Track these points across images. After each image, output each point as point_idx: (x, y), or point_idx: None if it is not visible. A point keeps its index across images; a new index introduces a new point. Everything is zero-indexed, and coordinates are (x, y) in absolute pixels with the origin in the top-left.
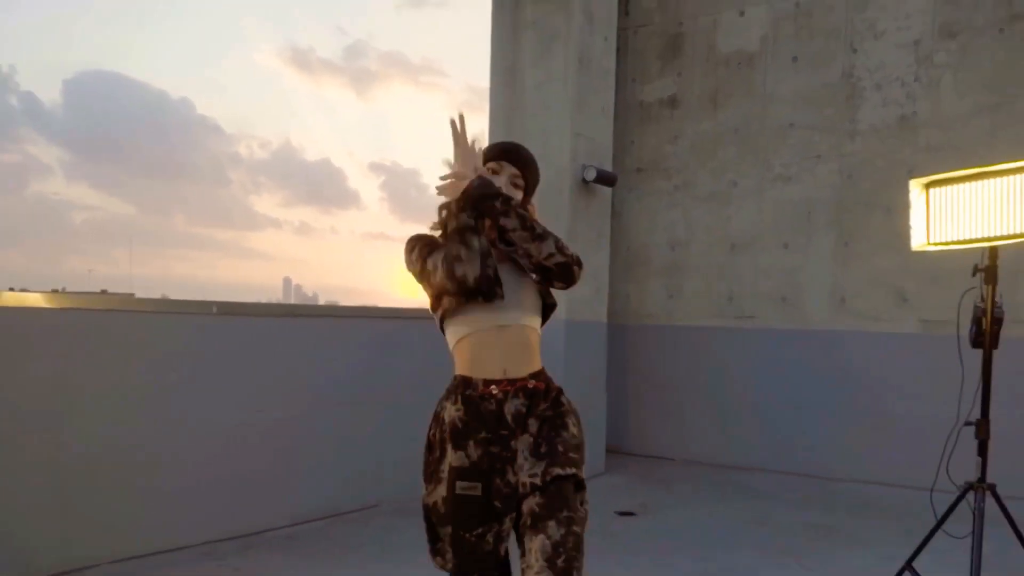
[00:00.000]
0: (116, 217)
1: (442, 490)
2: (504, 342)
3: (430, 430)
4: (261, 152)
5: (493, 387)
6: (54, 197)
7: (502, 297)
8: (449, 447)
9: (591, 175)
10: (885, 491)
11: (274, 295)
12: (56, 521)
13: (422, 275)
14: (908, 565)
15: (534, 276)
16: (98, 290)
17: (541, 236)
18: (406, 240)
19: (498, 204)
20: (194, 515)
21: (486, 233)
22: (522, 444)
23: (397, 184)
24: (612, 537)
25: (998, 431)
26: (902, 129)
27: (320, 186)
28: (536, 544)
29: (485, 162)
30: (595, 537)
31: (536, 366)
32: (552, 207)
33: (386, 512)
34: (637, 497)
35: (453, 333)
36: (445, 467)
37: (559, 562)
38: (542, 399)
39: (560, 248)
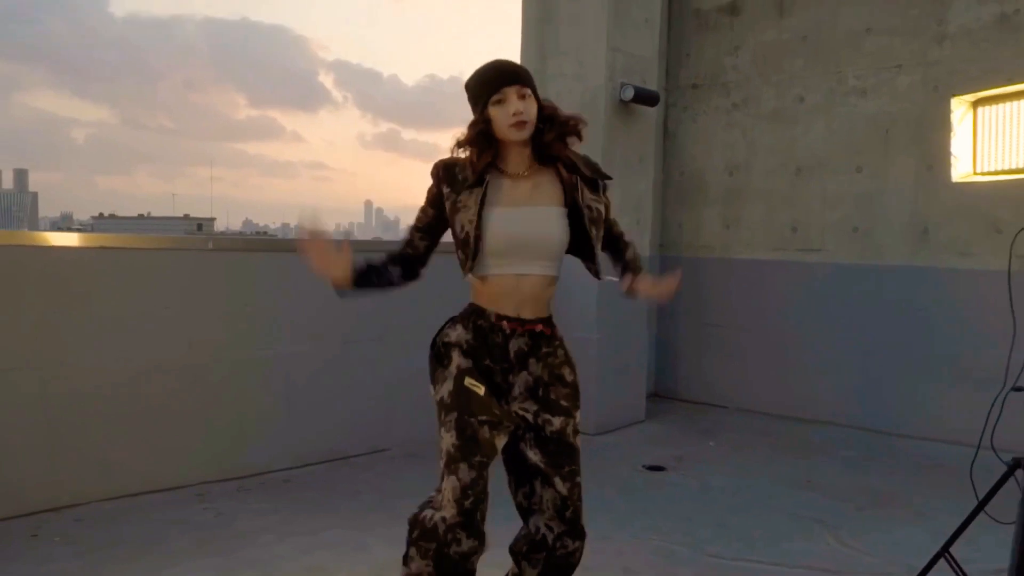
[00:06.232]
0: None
1: (449, 384)
2: (522, 289)
3: (435, 346)
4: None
5: (504, 322)
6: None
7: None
8: (456, 353)
9: (628, 94)
10: (955, 451)
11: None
12: (45, 459)
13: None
14: (943, 552)
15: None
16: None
17: None
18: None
19: None
20: (189, 455)
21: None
22: (519, 381)
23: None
24: (630, 495)
25: None
26: (1002, 30)
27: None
28: (548, 496)
29: (479, 97)
30: (612, 493)
31: (546, 313)
32: (585, 131)
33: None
34: (674, 449)
35: (477, 268)
36: (452, 368)
37: (567, 514)
38: (545, 343)
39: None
